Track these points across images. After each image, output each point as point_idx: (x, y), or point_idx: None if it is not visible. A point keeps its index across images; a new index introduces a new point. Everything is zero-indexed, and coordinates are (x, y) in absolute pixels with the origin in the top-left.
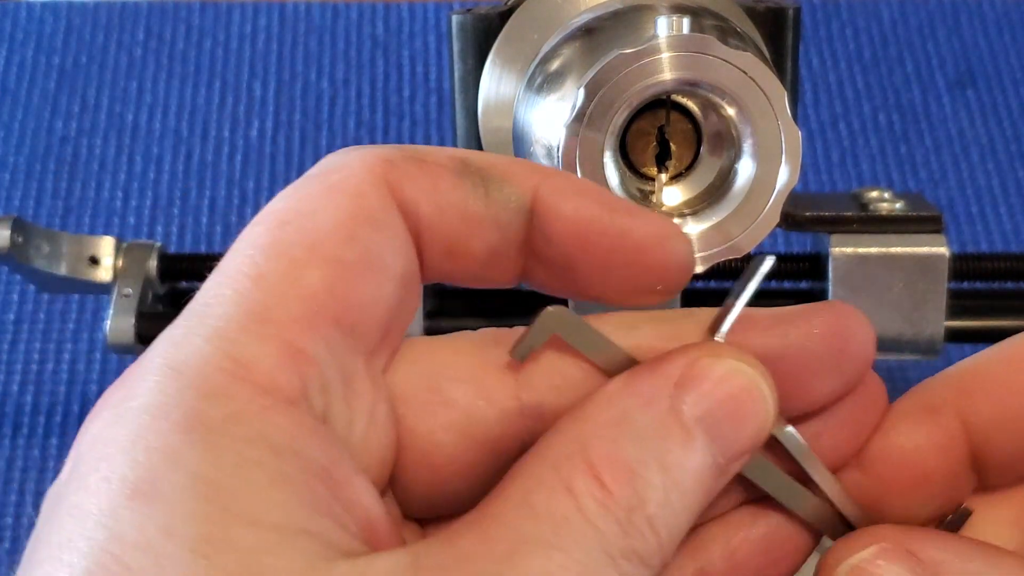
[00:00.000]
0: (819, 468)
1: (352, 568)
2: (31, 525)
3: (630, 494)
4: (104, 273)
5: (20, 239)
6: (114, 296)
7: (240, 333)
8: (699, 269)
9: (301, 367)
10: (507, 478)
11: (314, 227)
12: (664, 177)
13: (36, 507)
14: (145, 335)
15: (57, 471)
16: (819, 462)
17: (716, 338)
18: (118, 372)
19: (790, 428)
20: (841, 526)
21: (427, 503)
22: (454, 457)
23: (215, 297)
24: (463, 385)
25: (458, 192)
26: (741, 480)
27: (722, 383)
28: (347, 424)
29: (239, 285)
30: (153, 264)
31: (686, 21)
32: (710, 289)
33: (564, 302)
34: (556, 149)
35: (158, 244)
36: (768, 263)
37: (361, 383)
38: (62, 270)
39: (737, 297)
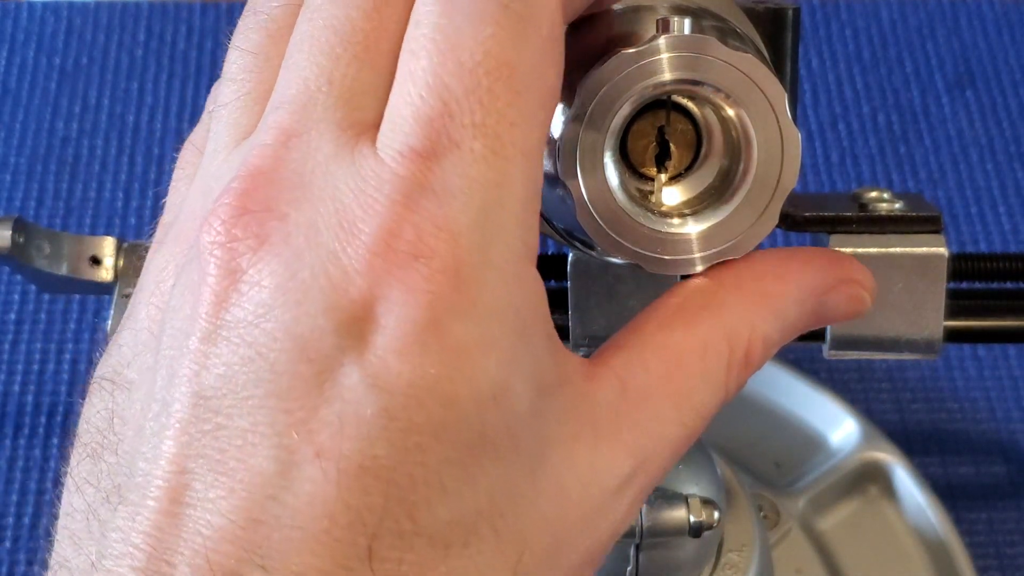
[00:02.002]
0: None
1: (573, 390)
2: (32, 525)
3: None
4: (105, 273)
5: (21, 239)
6: (115, 296)
7: None
8: (699, 269)
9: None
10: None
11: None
12: (664, 177)
13: (37, 507)
14: None
15: (58, 471)
16: None
17: None
18: None
19: None
20: None
21: None
22: None
23: None
24: None
25: None
26: None
27: None
28: None
29: None
30: None
31: (687, 22)
32: None
33: None
34: (556, 148)
35: None
36: None
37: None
38: (63, 270)
39: None
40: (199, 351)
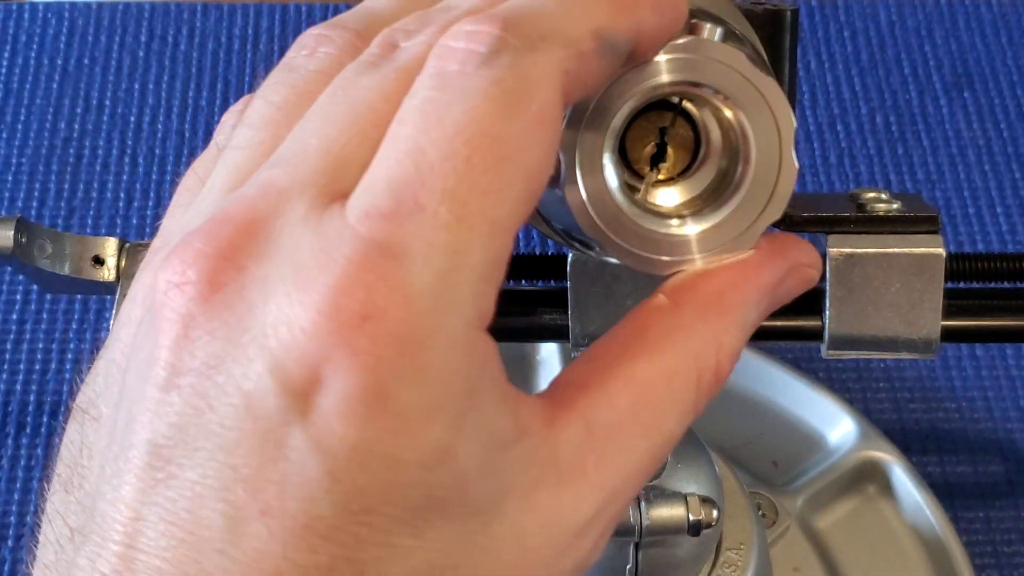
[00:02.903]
0: None
1: (537, 438)
2: (35, 524)
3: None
4: (107, 273)
5: (24, 239)
6: (117, 296)
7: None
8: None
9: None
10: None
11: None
12: (653, 176)
13: (39, 507)
14: None
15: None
16: None
17: None
18: None
19: None
20: None
21: None
22: None
23: None
24: None
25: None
26: None
27: None
28: None
29: None
30: None
31: (719, 31)
32: None
33: None
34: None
35: None
36: None
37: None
38: (65, 270)
39: None
40: (153, 397)
